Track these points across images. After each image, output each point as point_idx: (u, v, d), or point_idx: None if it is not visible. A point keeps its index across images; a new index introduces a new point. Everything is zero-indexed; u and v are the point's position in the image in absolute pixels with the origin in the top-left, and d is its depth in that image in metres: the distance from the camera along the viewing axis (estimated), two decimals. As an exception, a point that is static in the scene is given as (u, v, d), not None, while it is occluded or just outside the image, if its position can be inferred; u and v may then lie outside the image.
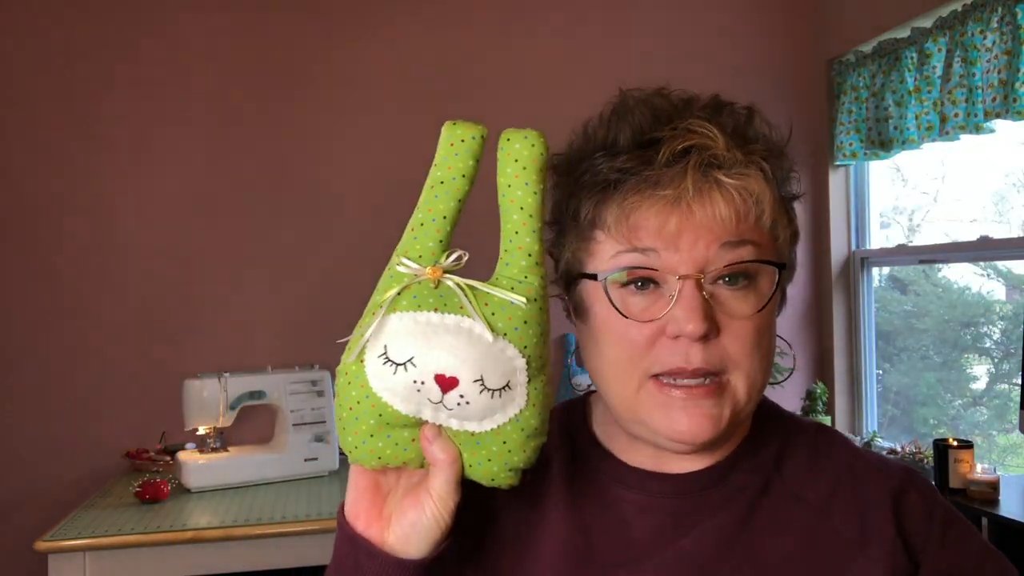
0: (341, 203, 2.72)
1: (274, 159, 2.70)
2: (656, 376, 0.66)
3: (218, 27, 2.69)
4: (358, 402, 0.62)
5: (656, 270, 0.65)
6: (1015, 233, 2.36)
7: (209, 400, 2.19)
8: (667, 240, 0.64)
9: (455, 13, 2.83)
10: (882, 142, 2.63)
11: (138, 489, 2.04)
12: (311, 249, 2.71)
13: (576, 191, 0.69)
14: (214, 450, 2.23)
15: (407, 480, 0.65)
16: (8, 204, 2.55)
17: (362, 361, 0.61)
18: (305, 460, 2.27)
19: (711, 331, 0.64)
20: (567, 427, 0.79)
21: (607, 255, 0.67)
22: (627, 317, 0.66)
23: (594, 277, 0.68)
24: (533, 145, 0.62)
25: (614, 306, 0.66)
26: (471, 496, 0.69)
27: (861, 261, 2.93)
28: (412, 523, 0.63)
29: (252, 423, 2.48)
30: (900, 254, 2.82)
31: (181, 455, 2.22)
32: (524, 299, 0.61)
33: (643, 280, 0.66)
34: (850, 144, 2.78)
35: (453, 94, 2.78)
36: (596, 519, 0.72)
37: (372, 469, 0.64)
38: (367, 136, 2.75)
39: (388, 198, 2.73)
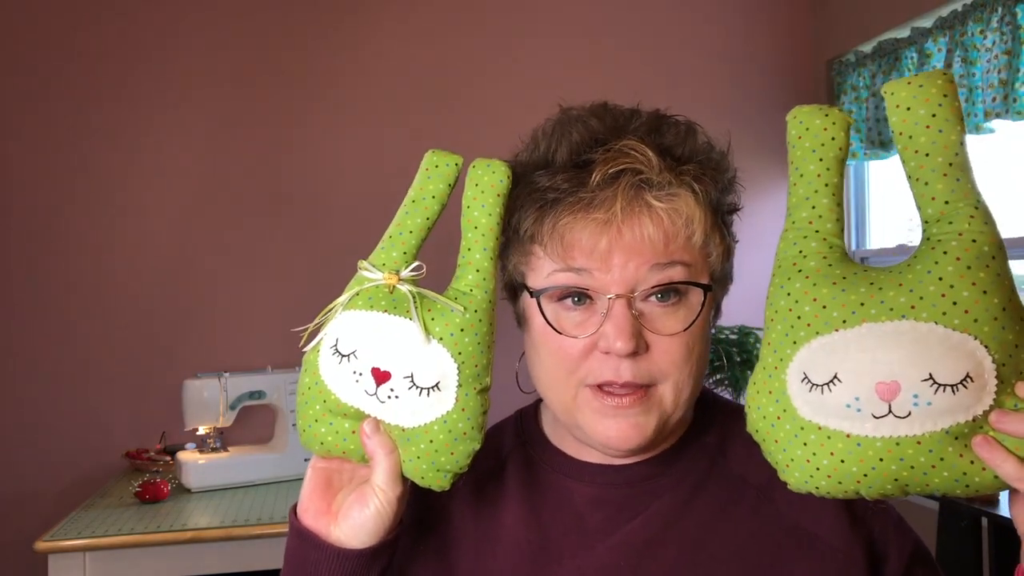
0: (341, 204, 2.72)
1: (274, 160, 2.71)
2: (590, 385, 0.70)
3: (218, 31, 2.69)
4: (308, 388, 0.68)
5: (588, 289, 0.69)
6: (1015, 233, 2.36)
7: (209, 400, 2.18)
8: (599, 260, 0.68)
9: (451, 19, 2.83)
10: (882, 142, 2.63)
11: (138, 489, 2.04)
12: (311, 249, 2.71)
13: (518, 205, 0.72)
14: (214, 450, 2.22)
15: (358, 479, 0.70)
16: (8, 204, 2.55)
17: (318, 351, 0.68)
18: (305, 460, 2.25)
19: (640, 348, 0.68)
20: (521, 432, 0.83)
21: (544, 272, 0.71)
22: (560, 333, 0.70)
23: (532, 293, 0.72)
24: (494, 172, 0.68)
25: (548, 322, 0.70)
26: (430, 500, 0.74)
27: (861, 261, 2.93)
28: (356, 515, 0.67)
29: (252, 423, 2.47)
30: (900, 254, 2.82)
31: (181, 455, 2.22)
32: (462, 308, 0.66)
33: (578, 296, 0.70)
34: (850, 144, 2.78)
35: (452, 99, 2.78)
36: (551, 515, 0.76)
37: (318, 455, 0.70)
38: (367, 137, 2.75)
39: (387, 200, 2.72)
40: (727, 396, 2.28)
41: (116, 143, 2.62)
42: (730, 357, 2.37)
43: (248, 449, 2.32)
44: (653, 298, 0.69)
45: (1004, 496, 1.94)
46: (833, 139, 0.61)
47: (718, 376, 2.42)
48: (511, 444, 0.82)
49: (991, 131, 2.27)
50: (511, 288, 0.77)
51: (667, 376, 0.69)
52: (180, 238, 2.65)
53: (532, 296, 0.72)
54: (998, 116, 2.17)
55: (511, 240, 0.74)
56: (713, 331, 0.76)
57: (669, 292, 0.69)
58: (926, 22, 2.49)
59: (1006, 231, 0.55)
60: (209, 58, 2.68)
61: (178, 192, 2.65)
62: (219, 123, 2.68)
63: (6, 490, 2.51)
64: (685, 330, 0.69)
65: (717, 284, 0.73)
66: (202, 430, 2.22)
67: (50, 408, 2.55)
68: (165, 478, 2.16)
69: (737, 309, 1.74)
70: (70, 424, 2.55)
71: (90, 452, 2.53)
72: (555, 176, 0.70)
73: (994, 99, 2.17)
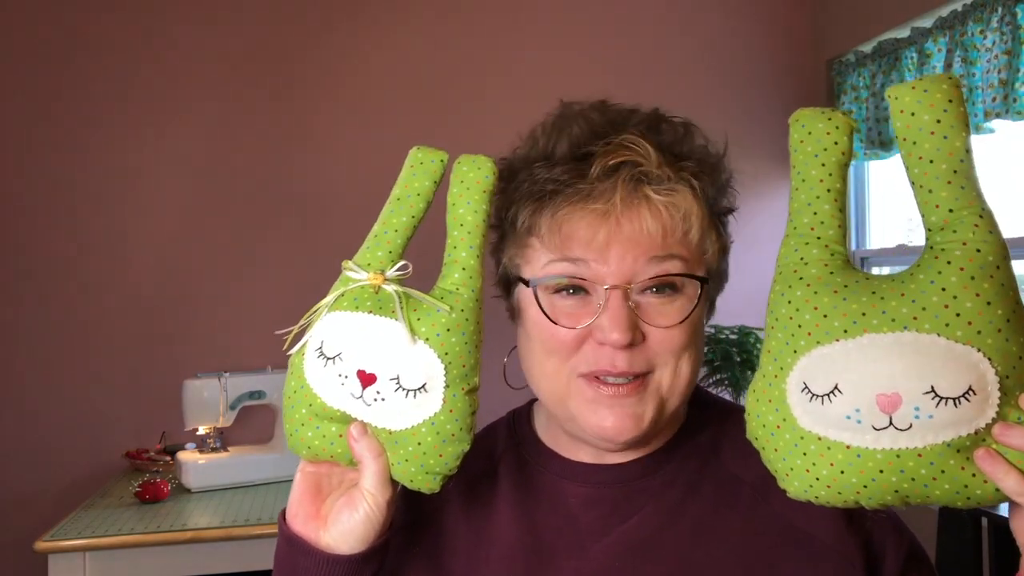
0: (341, 204, 2.72)
1: (274, 160, 2.71)
2: (584, 374, 0.69)
3: (219, 32, 2.69)
4: (294, 392, 0.69)
5: (585, 279, 0.68)
6: (1015, 233, 2.35)
7: (209, 400, 2.19)
8: (596, 252, 0.67)
9: (448, 20, 2.83)
10: (882, 142, 2.63)
11: (138, 489, 2.04)
12: (311, 249, 2.71)
13: (515, 199, 0.72)
14: (214, 450, 2.23)
15: (347, 483, 0.69)
16: (8, 203, 2.55)
17: (303, 354, 0.68)
18: (305, 460, 2.27)
19: (635, 339, 0.67)
20: (514, 433, 0.82)
21: (541, 263, 0.71)
22: (555, 322, 0.69)
23: (527, 283, 0.71)
24: (479, 168, 0.66)
25: (543, 311, 0.70)
26: (421, 503, 0.73)
27: (861, 261, 2.93)
28: (345, 520, 0.66)
29: (252, 423, 2.47)
30: (900, 254, 2.82)
31: (181, 455, 2.22)
32: (448, 307, 0.65)
33: (573, 287, 0.69)
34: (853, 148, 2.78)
35: (452, 99, 2.78)
36: (544, 516, 0.75)
37: (305, 460, 0.69)
38: (368, 137, 2.74)
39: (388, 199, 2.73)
40: (727, 396, 2.28)
41: (115, 143, 2.62)
42: (730, 357, 2.37)
43: (248, 449, 2.32)
44: (649, 292, 0.68)
45: (1004, 496, 1.93)
46: (836, 143, 0.58)
47: (718, 376, 2.42)
48: (504, 445, 0.81)
49: (991, 131, 2.27)
50: (505, 282, 0.76)
51: (664, 362, 0.69)
52: (180, 238, 2.65)
53: (528, 286, 0.71)
54: (998, 116, 2.16)
55: (507, 234, 0.74)
56: (712, 330, 0.76)
57: (665, 287, 0.69)
58: (926, 22, 2.49)
59: (1006, 231, 0.55)
60: (210, 59, 2.68)
61: (178, 192, 2.65)
62: (219, 124, 2.68)
63: (6, 490, 2.51)
64: (681, 322, 0.69)
65: (712, 280, 0.73)
66: (202, 430, 2.22)
67: (50, 408, 2.55)
68: (165, 478, 2.16)
69: (737, 309, 1.74)
70: (70, 424, 2.55)
71: (90, 452, 2.53)
72: (554, 168, 0.70)
73: (994, 99, 2.16)
